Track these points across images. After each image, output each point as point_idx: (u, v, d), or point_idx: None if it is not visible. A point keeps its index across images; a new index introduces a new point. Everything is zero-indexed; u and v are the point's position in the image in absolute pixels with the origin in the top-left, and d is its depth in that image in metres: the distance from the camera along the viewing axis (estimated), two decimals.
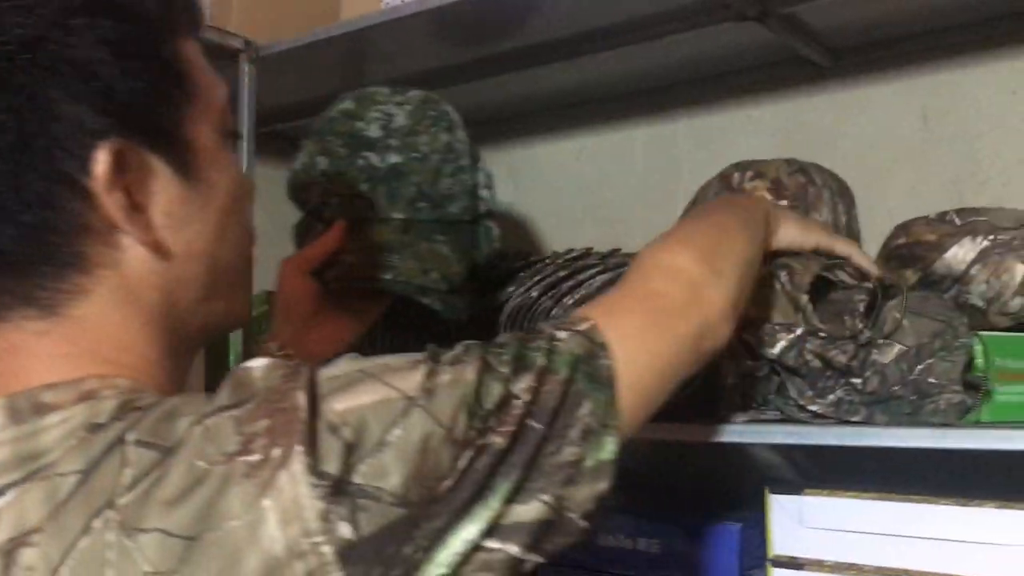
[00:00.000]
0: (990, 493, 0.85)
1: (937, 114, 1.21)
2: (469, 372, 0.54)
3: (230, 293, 0.64)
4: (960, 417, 0.81)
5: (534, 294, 1.18)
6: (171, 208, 0.58)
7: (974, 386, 0.86)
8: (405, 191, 1.01)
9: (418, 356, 0.55)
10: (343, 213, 1.02)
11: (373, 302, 1.06)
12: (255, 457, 0.49)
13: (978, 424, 0.81)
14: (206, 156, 0.60)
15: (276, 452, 0.49)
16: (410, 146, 1.02)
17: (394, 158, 1.02)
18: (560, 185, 1.54)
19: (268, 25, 1.28)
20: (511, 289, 1.19)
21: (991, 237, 0.91)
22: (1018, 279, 0.89)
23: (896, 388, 0.80)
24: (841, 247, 0.92)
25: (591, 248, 1.31)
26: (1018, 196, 1.14)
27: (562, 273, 1.21)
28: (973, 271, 0.90)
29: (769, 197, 1.08)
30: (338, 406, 0.51)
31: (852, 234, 1.10)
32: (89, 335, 0.56)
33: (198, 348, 0.66)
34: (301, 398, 0.51)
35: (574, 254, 1.29)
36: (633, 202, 1.46)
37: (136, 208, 0.56)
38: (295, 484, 0.48)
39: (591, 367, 0.58)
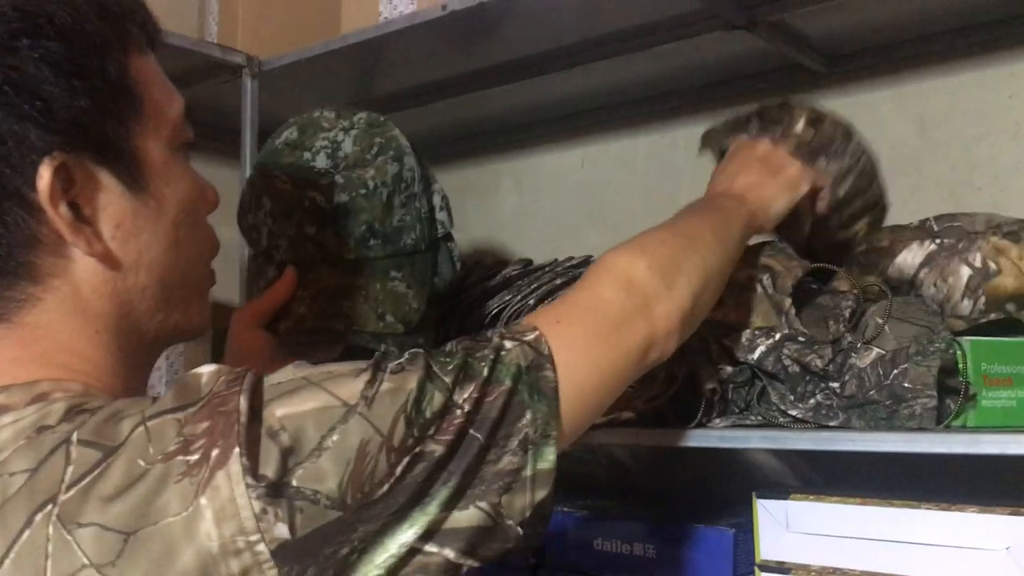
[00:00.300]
0: (972, 497, 0.85)
1: (933, 120, 1.21)
2: (411, 381, 0.56)
3: (186, 302, 0.66)
4: (939, 422, 0.81)
5: (531, 302, 1.19)
6: (121, 220, 0.60)
7: (957, 391, 0.86)
8: (355, 230, 0.96)
9: (362, 364, 0.57)
10: (293, 255, 0.97)
11: (328, 351, 1.03)
12: (194, 457, 0.50)
13: (949, 428, 0.81)
14: (156, 169, 0.62)
15: (215, 452, 0.50)
16: (357, 181, 0.96)
17: (341, 196, 0.96)
18: (564, 193, 1.56)
19: (272, 40, 1.31)
20: (508, 297, 1.21)
21: (937, 241, 0.92)
22: (963, 281, 0.89)
23: (872, 393, 0.80)
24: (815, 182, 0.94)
25: (591, 256, 1.32)
26: (1015, 201, 1.13)
27: (559, 281, 1.22)
28: (921, 275, 0.91)
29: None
30: (279, 411, 0.53)
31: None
32: (42, 341, 0.59)
33: (155, 355, 0.68)
34: (242, 402, 0.52)
35: (574, 262, 1.31)
36: (635, 209, 1.47)
37: (83, 220, 0.59)
38: (232, 484, 0.50)
39: (534, 378, 0.60)
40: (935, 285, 0.92)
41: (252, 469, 0.50)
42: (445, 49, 1.26)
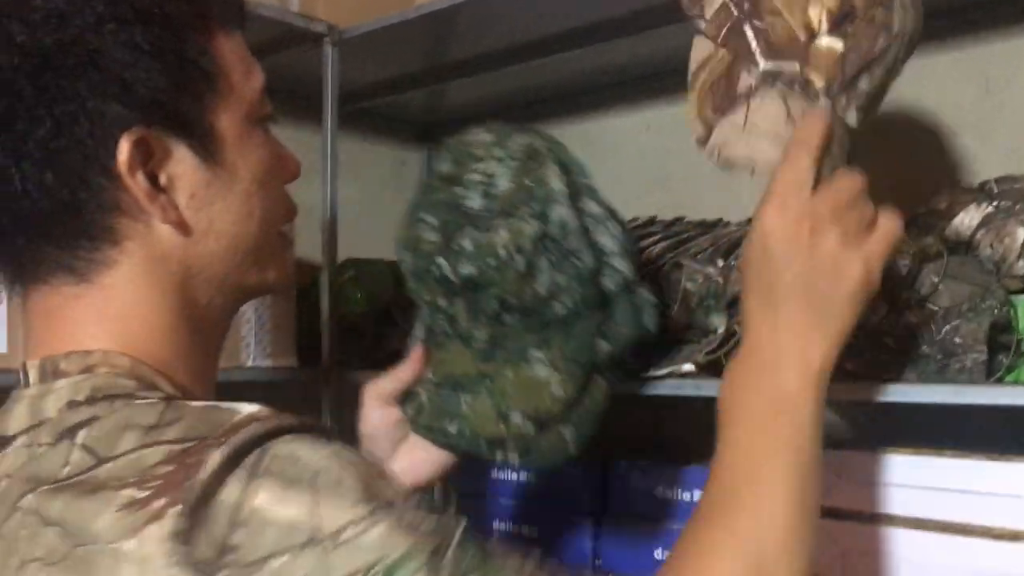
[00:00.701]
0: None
1: (999, 82, 1.22)
2: (399, 546, 0.50)
3: (259, 265, 0.69)
4: (989, 376, 0.84)
5: None
6: (195, 190, 0.64)
7: (1009, 348, 0.89)
8: (485, 304, 0.80)
9: (378, 494, 0.52)
10: (428, 324, 0.87)
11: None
12: (142, 495, 0.50)
13: (998, 382, 0.84)
14: (230, 143, 0.66)
15: (159, 503, 0.50)
16: (485, 249, 0.78)
17: (466, 267, 0.79)
18: (628, 157, 1.60)
19: (351, 10, 1.37)
20: None
21: (995, 203, 0.94)
22: (1019, 243, 0.91)
23: (924, 348, 0.84)
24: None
25: (655, 217, 1.37)
26: None
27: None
28: (978, 236, 0.93)
29: None
30: (258, 499, 0.50)
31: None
32: (115, 303, 0.64)
33: (230, 312, 0.72)
34: (216, 457, 0.50)
35: (638, 222, 1.35)
36: (697, 172, 1.50)
37: (159, 189, 0.63)
38: (158, 542, 0.49)
39: None
40: (991, 246, 0.95)
41: (184, 537, 0.49)
42: (515, 16, 1.30)
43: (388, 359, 1.35)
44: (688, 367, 0.96)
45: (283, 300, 1.30)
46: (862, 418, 1.21)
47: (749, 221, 1.21)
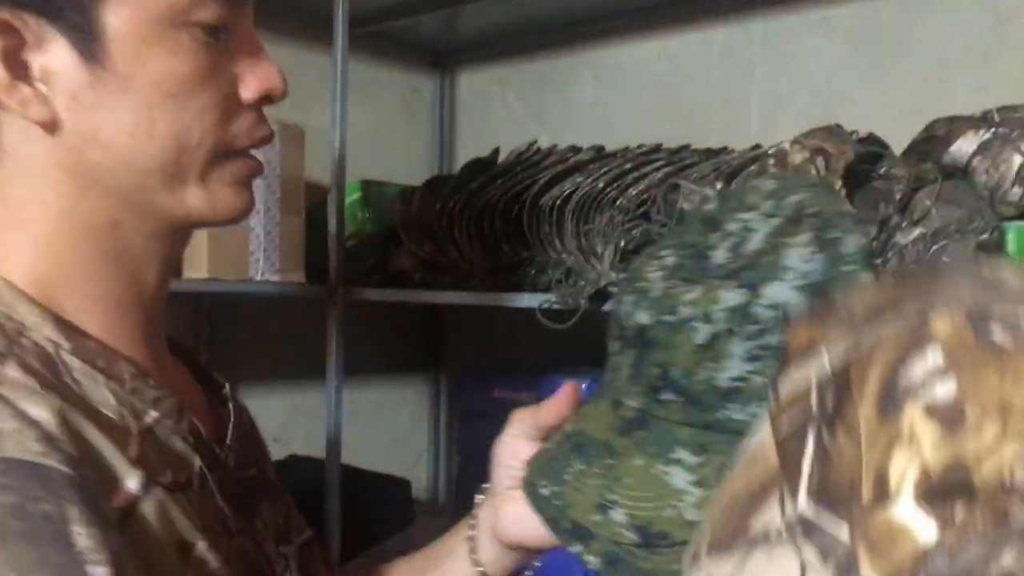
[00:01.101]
0: None
1: (1009, 14, 1.22)
2: None
3: (175, 188, 0.60)
4: None
5: (600, 184, 1.26)
6: (76, 91, 0.56)
7: None
8: (646, 369, 0.64)
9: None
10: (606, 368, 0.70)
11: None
12: None
13: None
14: (125, 44, 0.57)
15: None
16: (664, 302, 0.63)
17: (640, 316, 0.64)
18: (640, 85, 1.60)
19: None
20: (579, 179, 1.28)
21: (992, 130, 0.95)
22: (1014, 169, 0.92)
23: (912, 267, 0.86)
24: None
25: (661, 144, 1.38)
26: None
27: (628, 166, 1.28)
28: (975, 163, 0.94)
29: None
30: None
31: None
32: None
33: (151, 241, 0.61)
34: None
35: (645, 148, 1.37)
36: (708, 101, 1.51)
37: (27, 81, 0.56)
38: None
39: None
40: (987, 173, 0.96)
41: None
42: None
43: (392, 279, 1.40)
44: None
45: (293, 217, 1.33)
46: None
47: (754, 148, 1.23)
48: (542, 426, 0.70)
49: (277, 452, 1.63)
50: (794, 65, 1.42)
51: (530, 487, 0.66)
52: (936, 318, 0.42)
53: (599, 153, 1.37)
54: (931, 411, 0.40)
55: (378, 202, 1.45)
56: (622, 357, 0.65)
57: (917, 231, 0.88)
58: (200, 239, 1.24)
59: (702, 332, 0.60)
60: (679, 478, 0.61)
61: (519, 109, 1.78)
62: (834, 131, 0.97)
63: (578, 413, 0.69)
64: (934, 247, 0.86)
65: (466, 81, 1.86)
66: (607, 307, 1.04)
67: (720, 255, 0.64)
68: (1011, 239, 0.93)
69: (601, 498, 0.62)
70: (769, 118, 1.44)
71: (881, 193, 0.97)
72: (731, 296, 0.60)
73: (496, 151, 1.43)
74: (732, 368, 0.60)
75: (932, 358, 0.41)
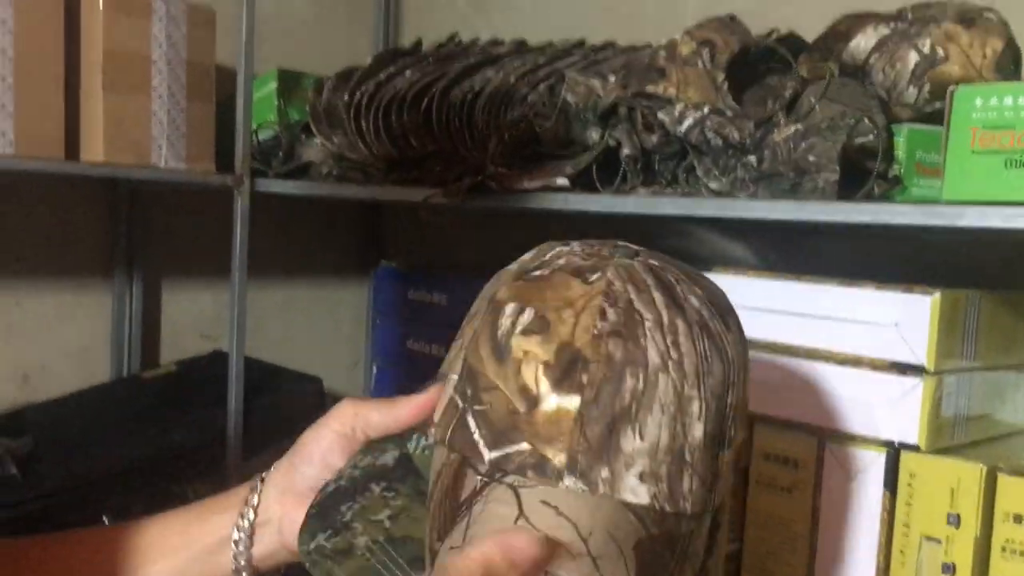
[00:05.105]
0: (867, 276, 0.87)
1: None
2: None
3: None
4: (845, 197, 0.82)
5: (512, 80, 1.21)
6: None
7: (885, 176, 0.87)
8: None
9: None
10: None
11: None
12: None
13: (842, 200, 0.82)
14: None
15: None
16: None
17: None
18: None
19: None
20: (490, 74, 1.23)
21: (891, 25, 0.89)
22: (910, 68, 0.87)
23: (780, 166, 0.82)
24: None
25: (584, 40, 1.32)
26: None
27: (541, 61, 1.23)
28: (872, 60, 0.89)
29: None
30: None
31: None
32: None
33: None
34: None
35: (567, 44, 1.31)
36: (645, 2, 1.45)
37: None
38: None
39: None
40: (883, 71, 0.91)
41: None
42: None
43: (300, 171, 1.36)
44: (562, 181, 0.95)
45: (202, 103, 1.29)
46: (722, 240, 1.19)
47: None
48: (384, 428, 0.61)
49: (204, 347, 1.63)
50: None
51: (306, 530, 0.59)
52: (497, 294, 0.55)
53: (519, 47, 1.31)
54: (527, 332, 0.52)
55: (296, 92, 1.40)
56: None
57: (792, 128, 0.84)
58: (96, 122, 1.20)
59: None
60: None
61: (463, 3, 1.72)
62: (725, 22, 0.92)
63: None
64: (803, 145, 0.81)
65: None
66: (489, 203, 1.00)
67: None
68: (900, 143, 0.89)
69: None
70: (704, 15, 1.37)
71: (772, 90, 0.93)
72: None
73: (419, 41, 1.38)
74: None
75: (508, 308, 0.54)
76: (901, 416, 0.83)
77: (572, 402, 0.50)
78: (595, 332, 0.51)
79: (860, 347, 0.85)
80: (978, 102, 0.72)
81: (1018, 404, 0.97)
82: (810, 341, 0.89)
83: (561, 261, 0.55)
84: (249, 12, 1.28)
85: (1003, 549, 0.79)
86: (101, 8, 1.19)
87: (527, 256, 0.59)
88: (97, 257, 1.48)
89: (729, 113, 0.86)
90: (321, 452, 0.60)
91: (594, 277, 0.53)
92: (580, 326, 0.51)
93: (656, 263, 0.55)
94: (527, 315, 0.53)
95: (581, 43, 1.30)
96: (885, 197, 0.88)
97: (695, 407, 0.51)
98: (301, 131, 1.36)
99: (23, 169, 1.14)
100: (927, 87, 0.89)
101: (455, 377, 0.55)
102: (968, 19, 0.89)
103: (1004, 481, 0.79)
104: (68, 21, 1.18)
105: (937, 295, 0.82)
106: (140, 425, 1.26)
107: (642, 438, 0.50)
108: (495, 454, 0.51)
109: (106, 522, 1.17)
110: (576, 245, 0.57)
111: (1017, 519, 0.78)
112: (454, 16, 1.72)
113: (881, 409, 0.84)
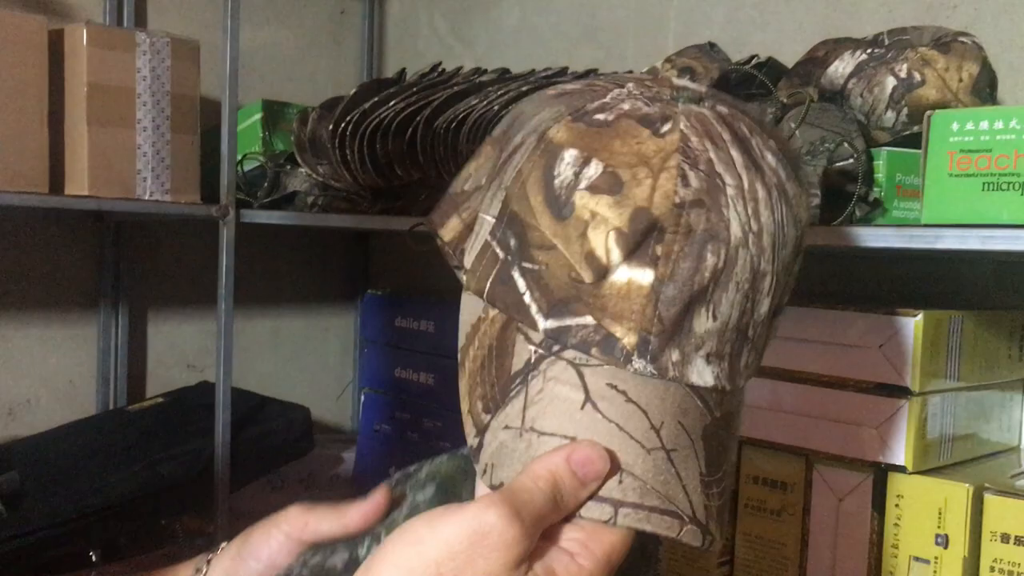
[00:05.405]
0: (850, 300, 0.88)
1: None
2: None
3: None
4: (829, 223, 0.83)
5: (496, 108, 1.22)
6: None
7: (866, 199, 0.88)
8: None
9: None
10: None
11: None
12: None
13: (828, 224, 0.83)
14: None
15: None
16: None
17: None
18: (563, 7, 1.55)
19: None
20: (474, 102, 1.23)
21: (868, 51, 0.90)
22: (888, 92, 0.88)
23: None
24: None
25: (567, 68, 1.33)
26: (988, 21, 1.10)
27: (525, 88, 1.24)
28: (850, 85, 0.90)
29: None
30: None
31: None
32: None
33: None
34: None
35: (550, 72, 1.32)
36: (627, 24, 1.46)
37: None
38: None
39: None
40: (862, 96, 0.92)
41: None
42: None
43: (285, 200, 1.36)
44: None
45: (186, 136, 1.29)
46: None
47: (650, 71, 1.19)
48: (328, 535, 0.57)
49: (191, 378, 1.62)
50: None
51: None
52: (549, 132, 0.48)
53: (502, 76, 1.32)
54: (594, 189, 0.46)
55: (281, 123, 1.41)
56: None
57: None
58: (80, 155, 1.20)
59: None
60: None
61: (446, 32, 1.73)
62: (705, 50, 0.93)
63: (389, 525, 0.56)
64: None
65: (395, 3, 1.80)
66: None
67: None
68: (880, 166, 0.90)
69: None
70: (685, 41, 1.39)
71: (752, 113, 0.93)
72: None
73: (402, 71, 1.39)
74: None
75: (568, 155, 0.47)
76: (887, 437, 0.84)
77: (645, 276, 0.46)
78: (677, 200, 0.45)
79: (845, 369, 0.86)
80: (955, 126, 0.73)
81: (1003, 423, 0.98)
82: (796, 364, 0.89)
83: (625, 106, 0.48)
84: (233, 44, 1.28)
85: (992, 569, 0.79)
86: (85, 42, 1.19)
87: (571, 86, 0.52)
88: (82, 290, 1.48)
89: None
90: (269, 551, 0.58)
91: (665, 128, 0.47)
92: (660, 190, 0.45)
93: (726, 110, 0.50)
94: (594, 168, 0.47)
95: (564, 70, 1.30)
96: (867, 220, 0.89)
97: (767, 283, 0.48)
98: (286, 161, 1.37)
99: (7, 204, 1.13)
100: (905, 111, 0.91)
101: (489, 219, 0.50)
102: (944, 44, 0.91)
103: (991, 501, 0.80)
104: (52, 55, 1.18)
105: (920, 317, 0.82)
106: (127, 458, 1.25)
107: (714, 318, 0.46)
108: (552, 323, 0.47)
109: (93, 558, 1.17)
110: (631, 83, 0.51)
111: (1005, 539, 0.79)
112: (437, 45, 1.73)
113: (867, 431, 0.85)
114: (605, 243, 0.46)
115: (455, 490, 0.55)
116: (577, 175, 0.47)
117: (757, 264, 0.47)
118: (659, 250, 0.45)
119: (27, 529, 1.12)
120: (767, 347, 0.51)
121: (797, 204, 0.50)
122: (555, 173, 0.47)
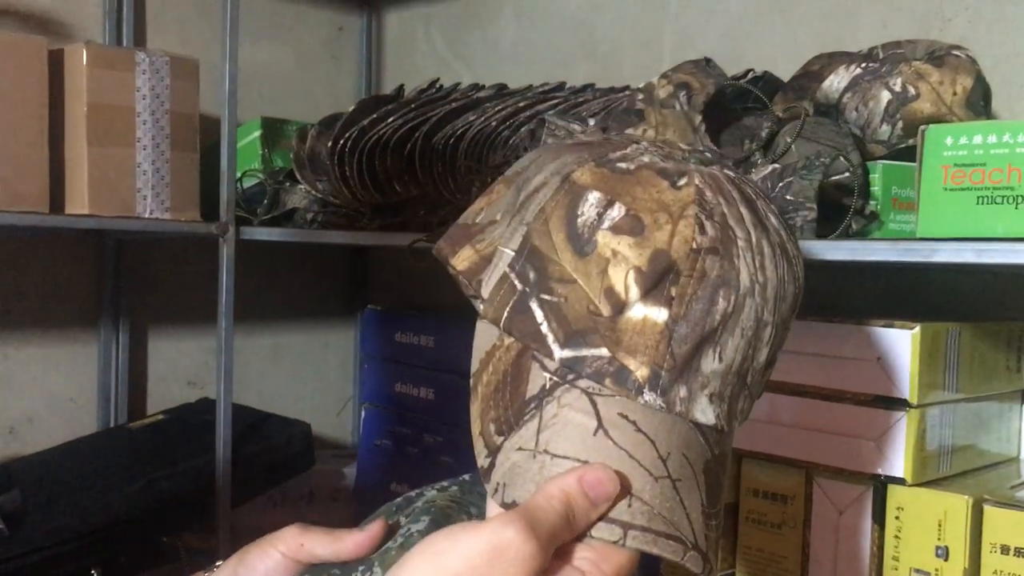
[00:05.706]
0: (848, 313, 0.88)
1: None
2: None
3: None
4: (826, 236, 0.84)
5: (493, 123, 1.23)
6: None
7: (862, 212, 0.88)
8: None
9: None
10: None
11: None
12: None
13: (822, 237, 0.84)
14: None
15: None
16: None
17: None
18: (559, 24, 1.56)
19: None
20: (472, 118, 1.24)
21: (863, 64, 0.91)
22: (883, 106, 0.89)
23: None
24: None
25: (564, 82, 1.34)
26: (982, 34, 1.11)
27: (522, 104, 1.25)
28: (845, 99, 0.91)
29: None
30: None
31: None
32: None
33: None
34: None
35: (547, 87, 1.33)
36: (623, 39, 1.47)
37: None
38: None
39: None
40: (857, 110, 0.93)
41: None
42: None
43: (285, 217, 1.37)
44: None
45: (185, 154, 1.30)
46: None
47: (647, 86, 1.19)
48: (317, 557, 0.58)
49: (191, 395, 1.62)
50: (706, 3, 1.38)
51: None
52: (573, 174, 0.51)
53: (499, 91, 1.33)
54: (616, 229, 0.49)
55: (280, 140, 1.41)
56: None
57: (770, 167, 0.85)
58: (81, 174, 1.21)
59: None
60: None
61: (443, 48, 1.74)
62: (701, 65, 0.94)
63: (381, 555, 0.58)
64: (780, 184, 0.83)
65: (393, 20, 1.81)
66: None
67: None
68: (876, 179, 0.90)
69: None
70: (681, 56, 1.40)
71: (749, 130, 0.94)
72: None
73: (400, 87, 1.40)
74: None
75: (592, 196, 0.50)
76: (886, 449, 0.84)
77: (660, 314, 0.49)
78: (694, 246, 0.49)
79: (843, 382, 0.86)
80: (948, 141, 0.73)
81: (1002, 433, 0.98)
82: (794, 377, 0.90)
83: (645, 158, 0.52)
84: (232, 62, 1.29)
85: None
86: (85, 62, 1.20)
87: (589, 138, 0.57)
88: (83, 307, 1.48)
89: (708, 155, 0.88)
90: (266, 570, 0.59)
91: (682, 182, 0.50)
92: (679, 235, 0.49)
93: (732, 174, 0.54)
94: (617, 210, 0.50)
95: (561, 86, 1.31)
96: (863, 233, 0.89)
97: (768, 333, 0.51)
98: (285, 178, 1.37)
99: (8, 224, 1.14)
100: (900, 124, 0.91)
101: (509, 252, 0.52)
102: (938, 57, 0.91)
103: (991, 512, 0.80)
104: (52, 75, 1.19)
105: (917, 329, 0.83)
106: (128, 476, 1.25)
107: (720, 360, 0.50)
108: (568, 353, 0.50)
109: None
110: (644, 141, 0.55)
111: (1005, 550, 0.79)
112: (435, 62, 1.74)
113: (866, 443, 0.85)
114: (624, 280, 0.49)
115: (448, 522, 0.56)
116: (600, 215, 0.50)
117: (761, 314, 0.50)
118: (674, 291, 0.49)
119: (29, 547, 1.12)
120: (759, 396, 0.55)
121: (795, 264, 0.53)
122: (579, 212, 0.50)
